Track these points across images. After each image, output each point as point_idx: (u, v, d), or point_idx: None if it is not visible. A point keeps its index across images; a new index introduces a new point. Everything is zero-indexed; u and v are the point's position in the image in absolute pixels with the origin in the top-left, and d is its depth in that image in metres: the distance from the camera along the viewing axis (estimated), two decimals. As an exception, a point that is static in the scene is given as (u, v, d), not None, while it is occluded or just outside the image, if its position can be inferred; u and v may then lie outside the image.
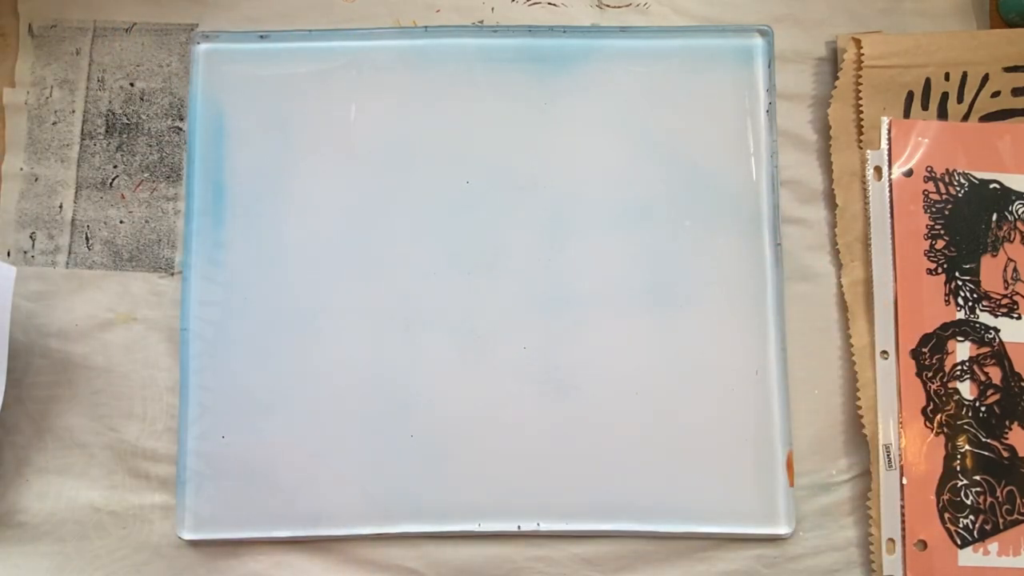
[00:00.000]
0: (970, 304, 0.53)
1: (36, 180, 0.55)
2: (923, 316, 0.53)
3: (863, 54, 0.54)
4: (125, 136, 0.55)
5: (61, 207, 0.54)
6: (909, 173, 0.54)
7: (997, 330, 0.53)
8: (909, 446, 0.51)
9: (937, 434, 0.52)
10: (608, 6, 0.57)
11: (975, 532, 0.51)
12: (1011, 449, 0.51)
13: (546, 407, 0.52)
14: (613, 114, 0.55)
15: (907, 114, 0.55)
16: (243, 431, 0.51)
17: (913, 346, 0.52)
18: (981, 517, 0.51)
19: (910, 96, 0.55)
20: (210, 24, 0.56)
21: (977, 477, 0.51)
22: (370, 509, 0.51)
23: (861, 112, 0.54)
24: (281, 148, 0.53)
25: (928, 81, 0.55)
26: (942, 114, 0.55)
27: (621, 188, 0.54)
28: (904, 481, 0.51)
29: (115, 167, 0.55)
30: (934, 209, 0.54)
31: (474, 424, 0.52)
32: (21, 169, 0.55)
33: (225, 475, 0.51)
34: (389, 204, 0.53)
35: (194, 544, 0.51)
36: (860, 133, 0.54)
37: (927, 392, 0.52)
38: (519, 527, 0.51)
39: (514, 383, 0.52)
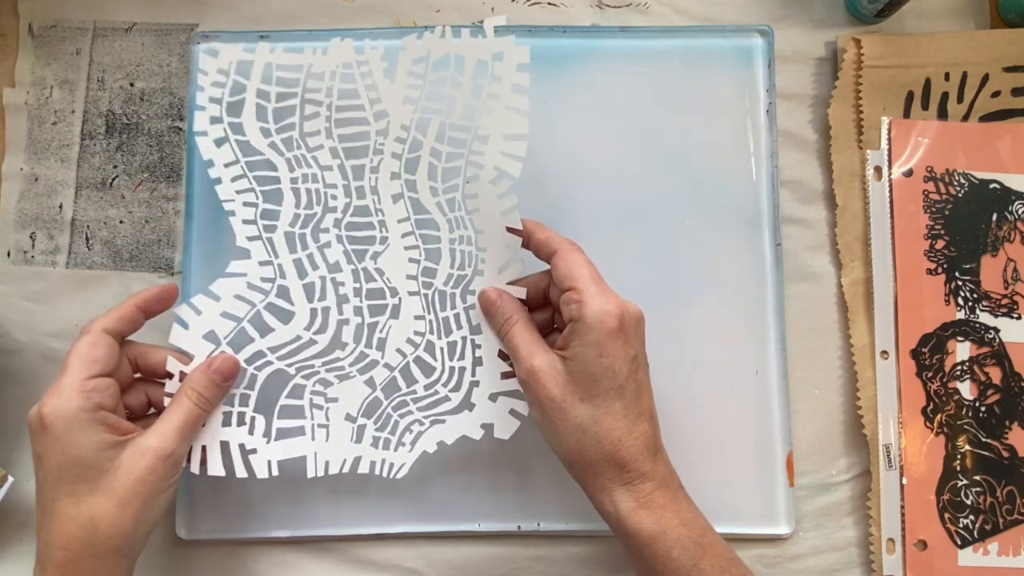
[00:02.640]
0: (970, 304, 0.53)
1: (36, 180, 0.55)
2: (923, 316, 0.53)
3: (863, 54, 0.54)
4: (125, 136, 0.55)
5: (61, 207, 0.54)
6: (909, 173, 0.54)
7: (997, 330, 0.53)
8: (909, 446, 0.51)
9: (937, 434, 0.52)
10: (608, 6, 0.57)
11: (975, 532, 0.51)
12: (1011, 449, 0.51)
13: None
14: (613, 114, 0.55)
15: (907, 114, 0.55)
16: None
17: (913, 346, 0.52)
18: (981, 517, 0.51)
19: (910, 96, 0.55)
20: (210, 24, 0.56)
21: (977, 477, 0.51)
22: (370, 509, 0.51)
23: (861, 112, 0.54)
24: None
25: (928, 81, 0.55)
26: (942, 114, 0.55)
27: (621, 188, 0.54)
28: (904, 481, 0.51)
29: (115, 167, 0.55)
30: (934, 209, 0.54)
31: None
32: (21, 169, 0.55)
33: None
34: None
35: (194, 544, 0.51)
36: (860, 133, 0.54)
37: (927, 392, 0.52)
38: (519, 527, 0.51)
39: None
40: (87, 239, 0.54)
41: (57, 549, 0.41)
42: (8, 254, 0.54)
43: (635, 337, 0.43)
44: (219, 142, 0.51)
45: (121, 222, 0.54)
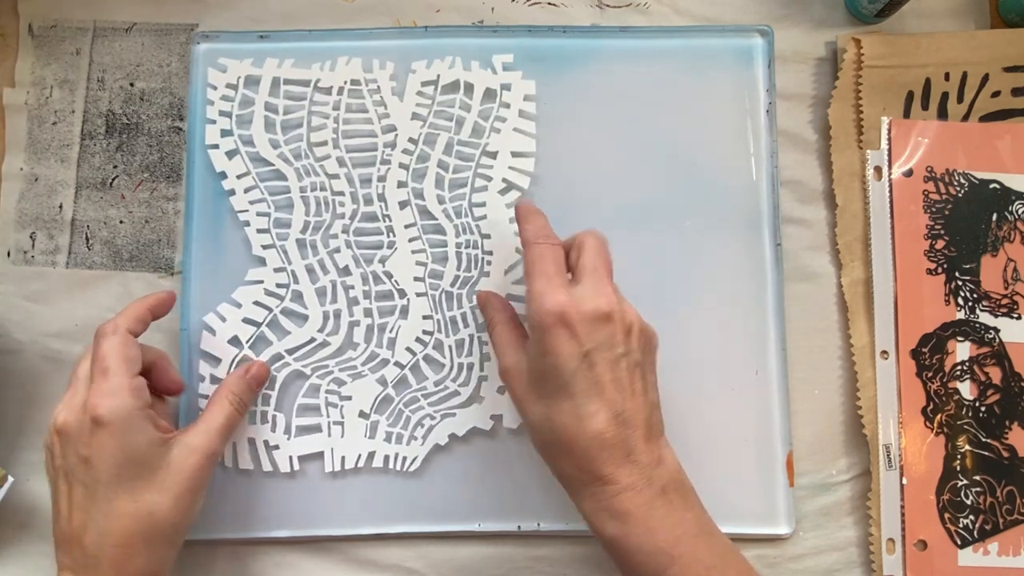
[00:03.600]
0: (970, 304, 0.53)
1: (36, 180, 0.55)
2: (923, 316, 0.53)
3: (863, 54, 0.54)
4: (125, 136, 0.55)
5: (61, 207, 0.54)
6: (909, 173, 0.54)
7: (997, 330, 0.53)
8: (909, 446, 0.51)
9: (937, 434, 0.52)
10: (608, 6, 0.57)
11: (975, 532, 0.51)
12: (1011, 449, 0.51)
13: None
14: (613, 114, 0.55)
15: (907, 114, 0.55)
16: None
17: (913, 346, 0.52)
18: (981, 517, 0.51)
19: (910, 96, 0.55)
20: (210, 24, 0.56)
21: (977, 477, 0.51)
22: (370, 509, 0.51)
23: (861, 112, 0.54)
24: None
25: (928, 81, 0.55)
26: (942, 114, 0.55)
27: (621, 188, 0.54)
28: (904, 481, 0.51)
29: (115, 167, 0.55)
30: (934, 209, 0.54)
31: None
32: (21, 169, 0.55)
33: (225, 475, 0.51)
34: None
35: (194, 544, 0.51)
36: (860, 133, 0.54)
37: (927, 392, 0.52)
38: (519, 527, 0.51)
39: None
40: (87, 239, 0.54)
41: (113, 547, 0.42)
42: (8, 254, 0.54)
43: (589, 333, 0.41)
44: (231, 154, 0.53)
45: (121, 222, 0.54)
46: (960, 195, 0.54)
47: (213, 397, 0.47)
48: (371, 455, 0.51)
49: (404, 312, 0.52)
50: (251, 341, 0.51)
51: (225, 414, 0.46)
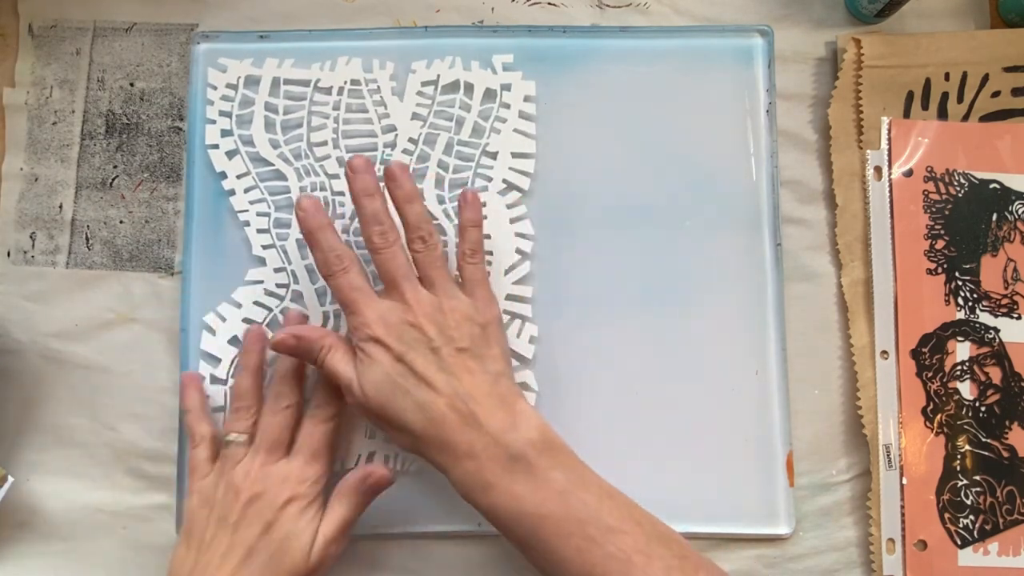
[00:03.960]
0: (970, 304, 0.53)
1: (36, 180, 0.55)
2: (923, 316, 0.53)
3: (863, 54, 0.54)
4: (125, 136, 0.55)
5: (61, 207, 0.54)
6: (909, 173, 0.54)
7: (997, 330, 0.53)
8: (909, 446, 0.51)
9: (937, 434, 0.52)
10: (608, 6, 0.57)
11: (975, 532, 0.51)
12: (1011, 449, 0.51)
13: (545, 408, 0.52)
14: (613, 114, 0.55)
15: (907, 114, 0.55)
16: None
17: (913, 346, 0.52)
18: (981, 517, 0.51)
19: (910, 96, 0.55)
20: (210, 24, 0.56)
21: (977, 477, 0.51)
22: (370, 509, 0.51)
23: (861, 112, 0.54)
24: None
25: (928, 81, 0.55)
26: (942, 114, 0.55)
27: (621, 188, 0.54)
28: (904, 481, 0.51)
29: (115, 167, 0.55)
30: (934, 209, 0.54)
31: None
32: (21, 169, 0.55)
33: (225, 475, 0.51)
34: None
35: (194, 544, 0.51)
36: (860, 133, 0.54)
37: (927, 392, 0.52)
38: (519, 527, 0.51)
39: (514, 383, 0.52)
40: (87, 239, 0.54)
41: None
42: (8, 254, 0.54)
43: (397, 339, 0.45)
44: (231, 154, 0.53)
45: (121, 222, 0.54)
46: (960, 195, 0.54)
47: (334, 494, 0.47)
48: (371, 455, 0.51)
49: None
50: None
51: (341, 517, 0.47)
